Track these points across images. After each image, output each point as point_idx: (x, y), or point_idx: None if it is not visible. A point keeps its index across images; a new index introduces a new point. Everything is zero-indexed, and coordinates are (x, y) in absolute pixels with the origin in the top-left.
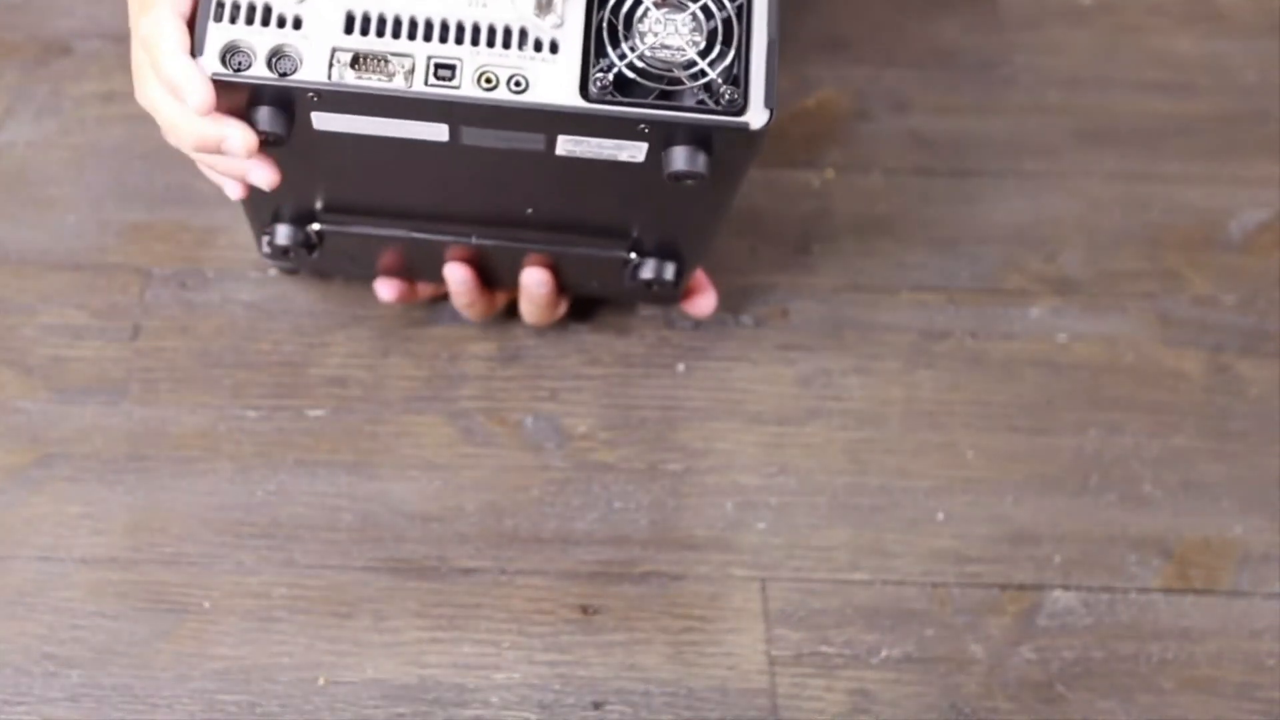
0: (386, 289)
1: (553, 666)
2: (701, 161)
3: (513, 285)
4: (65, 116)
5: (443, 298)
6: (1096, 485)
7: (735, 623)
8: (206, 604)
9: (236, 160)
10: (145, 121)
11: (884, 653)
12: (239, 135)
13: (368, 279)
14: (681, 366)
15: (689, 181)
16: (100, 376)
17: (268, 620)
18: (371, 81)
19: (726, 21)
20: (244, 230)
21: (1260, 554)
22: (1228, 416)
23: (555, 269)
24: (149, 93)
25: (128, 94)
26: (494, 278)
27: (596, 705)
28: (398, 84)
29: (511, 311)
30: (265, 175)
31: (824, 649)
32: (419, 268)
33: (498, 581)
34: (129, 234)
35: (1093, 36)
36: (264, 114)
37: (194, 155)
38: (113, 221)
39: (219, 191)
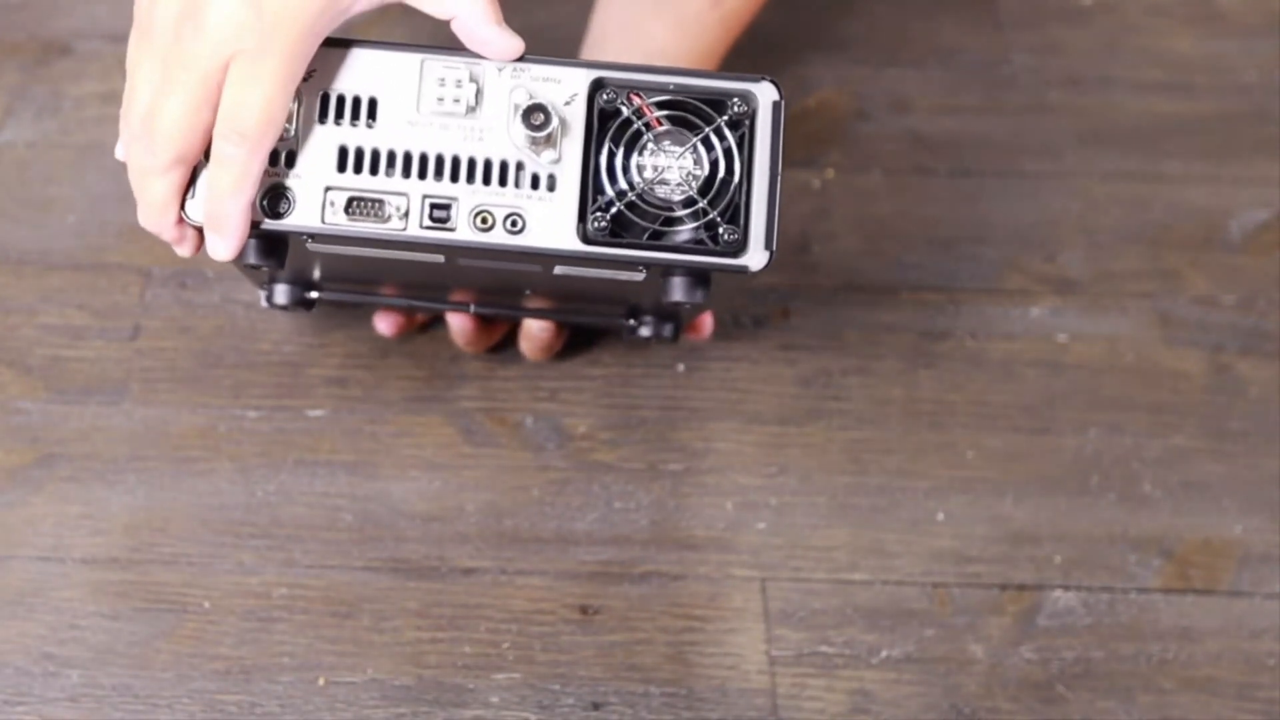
0: (385, 324)
1: (553, 666)
2: (700, 295)
3: (512, 321)
4: (65, 116)
5: (441, 317)
6: (1096, 485)
7: (735, 623)
8: (206, 604)
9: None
10: None
11: (884, 653)
12: (185, 252)
13: (368, 310)
14: (681, 366)
15: (686, 307)
16: (100, 376)
17: (268, 620)
18: (365, 225)
19: (728, 152)
20: None
21: (1260, 554)
22: (1228, 416)
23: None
24: (135, 160)
25: None
26: (494, 317)
27: (596, 705)
28: (393, 226)
29: (509, 341)
30: (184, 253)
31: (824, 649)
32: (419, 309)
33: (498, 581)
34: (129, 234)
35: (1093, 36)
36: (258, 249)
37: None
38: (113, 221)
39: None
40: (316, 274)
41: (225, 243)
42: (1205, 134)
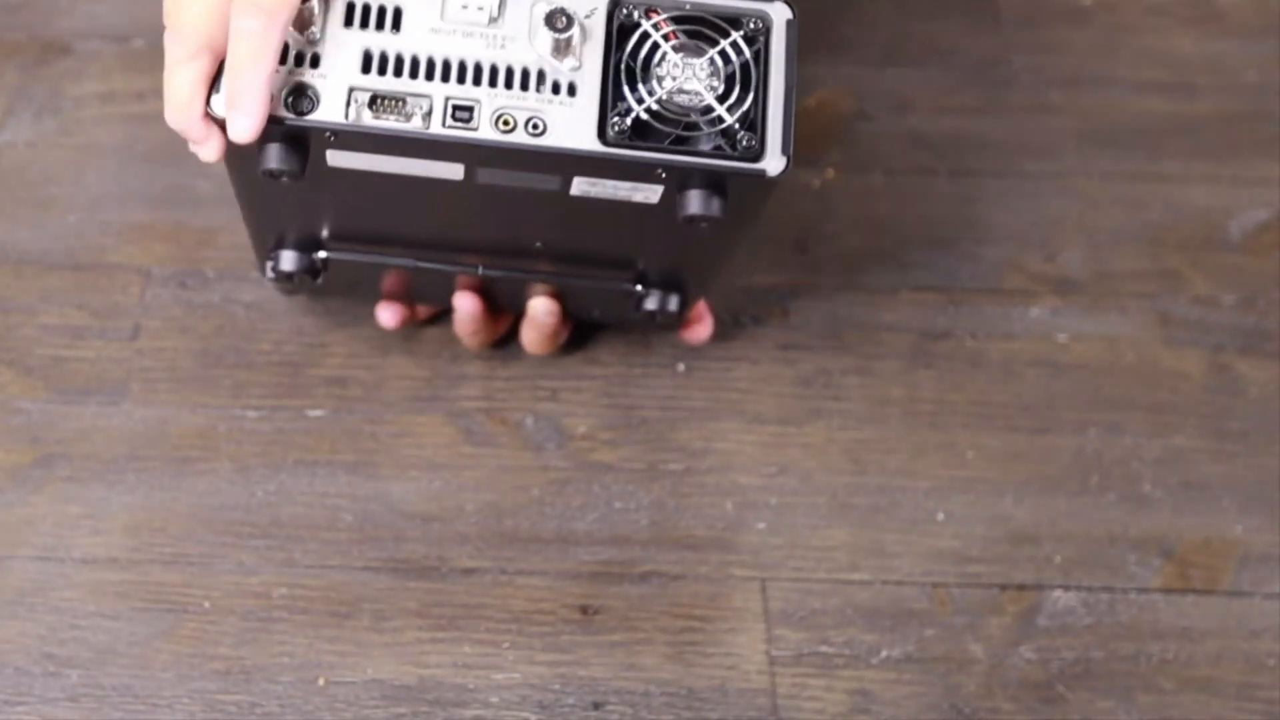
0: (388, 315)
1: (553, 666)
2: (716, 206)
3: (516, 310)
4: (65, 116)
5: (443, 312)
6: (1096, 485)
7: (735, 623)
8: (206, 604)
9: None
10: (145, 121)
11: (884, 653)
12: (210, 154)
13: (370, 303)
14: (681, 366)
15: (703, 224)
16: (100, 376)
17: (268, 620)
18: (389, 122)
19: (744, 66)
20: (244, 230)
21: (1260, 554)
22: (1228, 416)
23: (561, 298)
24: (174, 74)
25: (128, 94)
26: (498, 303)
27: (596, 705)
28: (415, 125)
29: (512, 336)
30: (208, 155)
31: (824, 649)
32: (424, 294)
33: (498, 581)
34: (129, 234)
35: (1093, 36)
36: (279, 151)
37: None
38: (113, 221)
39: (219, 191)
40: (324, 231)
41: (245, 120)
42: (1205, 134)
